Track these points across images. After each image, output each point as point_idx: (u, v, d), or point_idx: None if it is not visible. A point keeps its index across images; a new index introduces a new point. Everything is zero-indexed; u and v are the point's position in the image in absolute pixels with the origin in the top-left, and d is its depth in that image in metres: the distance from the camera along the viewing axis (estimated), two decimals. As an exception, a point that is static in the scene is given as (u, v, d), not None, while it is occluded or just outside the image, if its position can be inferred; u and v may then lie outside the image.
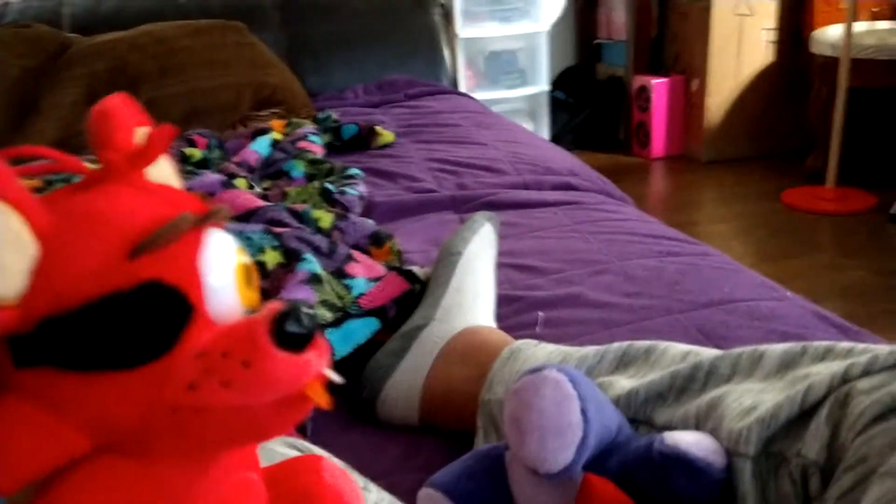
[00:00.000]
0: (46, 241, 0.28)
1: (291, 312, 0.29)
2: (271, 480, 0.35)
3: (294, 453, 0.45)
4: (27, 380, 0.28)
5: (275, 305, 0.29)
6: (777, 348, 0.52)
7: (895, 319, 1.87)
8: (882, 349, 0.46)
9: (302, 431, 0.64)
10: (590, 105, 3.60)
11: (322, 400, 0.30)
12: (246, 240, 0.79)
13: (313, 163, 1.26)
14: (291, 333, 0.29)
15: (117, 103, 0.36)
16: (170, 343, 0.28)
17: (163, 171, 0.36)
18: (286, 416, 0.30)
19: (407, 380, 0.69)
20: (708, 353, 0.55)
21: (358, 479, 0.45)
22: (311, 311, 0.30)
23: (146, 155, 0.32)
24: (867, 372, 0.44)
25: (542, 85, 3.28)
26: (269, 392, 0.29)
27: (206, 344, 0.29)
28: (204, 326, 0.29)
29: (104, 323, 0.27)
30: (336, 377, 0.31)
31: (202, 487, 0.31)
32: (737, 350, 0.53)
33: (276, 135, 1.37)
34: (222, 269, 0.30)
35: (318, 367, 0.30)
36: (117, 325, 0.27)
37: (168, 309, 0.28)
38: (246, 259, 0.32)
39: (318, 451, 0.46)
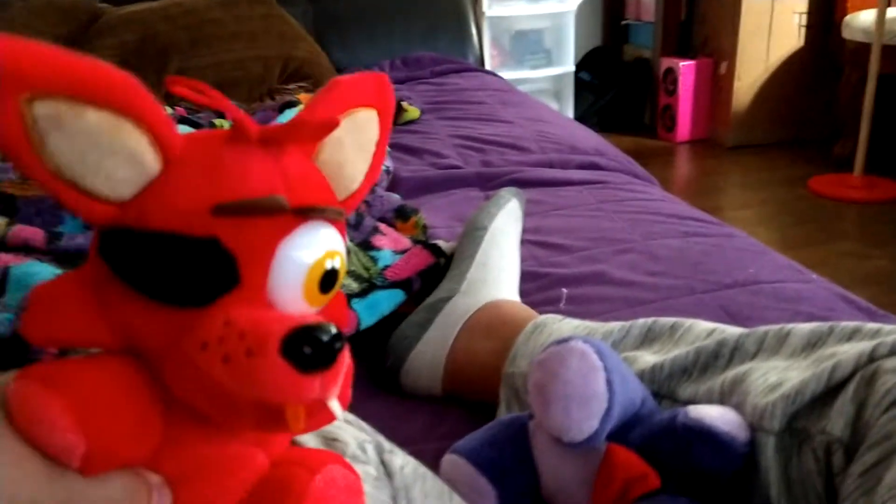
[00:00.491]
0: (167, 166, 0.30)
1: (312, 333, 0.29)
2: (274, 464, 0.36)
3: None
4: (98, 267, 0.30)
5: (308, 318, 0.30)
6: (804, 327, 0.52)
7: (920, 309, 1.85)
8: (910, 330, 0.46)
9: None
10: (616, 87, 3.57)
11: (295, 426, 0.30)
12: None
13: (340, 136, 1.26)
14: (300, 351, 0.29)
15: (361, 82, 0.38)
16: (202, 301, 0.29)
17: (341, 154, 0.37)
18: (260, 420, 0.30)
19: (431, 351, 0.69)
20: (733, 330, 0.55)
21: (384, 443, 0.46)
22: (335, 343, 0.30)
23: (300, 133, 0.32)
24: (894, 351, 0.44)
25: (567, 65, 3.25)
26: (254, 390, 0.29)
27: (238, 318, 0.29)
28: (252, 303, 0.30)
29: (158, 255, 0.29)
30: (339, 412, 0.31)
31: (187, 436, 0.32)
32: (763, 328, 0.53)
33: (303, 108, 1.38)
34: (293, 263, 0.31)
35: (315, 394, 0.29)
36: (167, 262, 0.29)
37: (214, 271, 0.29)
38: (335, 264, 0.32)
39: (346, 414, 0.47)
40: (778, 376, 0.48)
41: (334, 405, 0.30)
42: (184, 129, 1.09)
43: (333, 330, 0.29)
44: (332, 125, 0.32)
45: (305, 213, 0.31)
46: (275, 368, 0.28)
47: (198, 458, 0.32)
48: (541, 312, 0.70)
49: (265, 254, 0.30)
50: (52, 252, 0.71)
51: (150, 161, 0.29)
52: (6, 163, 0.83)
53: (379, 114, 0.39)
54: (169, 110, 1.30)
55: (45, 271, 0.61)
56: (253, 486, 0.33)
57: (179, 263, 0.29)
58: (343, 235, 0.33)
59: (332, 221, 0.32)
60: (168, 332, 0.30)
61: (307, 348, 0.28)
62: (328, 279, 0.32)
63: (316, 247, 0.31)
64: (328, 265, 0.31)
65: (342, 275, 0.33)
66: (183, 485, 0.31)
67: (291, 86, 1.61)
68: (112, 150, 0.29)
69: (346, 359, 0.30)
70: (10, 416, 0.28)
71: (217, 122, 1.23)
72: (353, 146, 0.37)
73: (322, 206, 0.32)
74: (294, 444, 0.37)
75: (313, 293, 0.32)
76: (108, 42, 1.51)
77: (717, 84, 3.32)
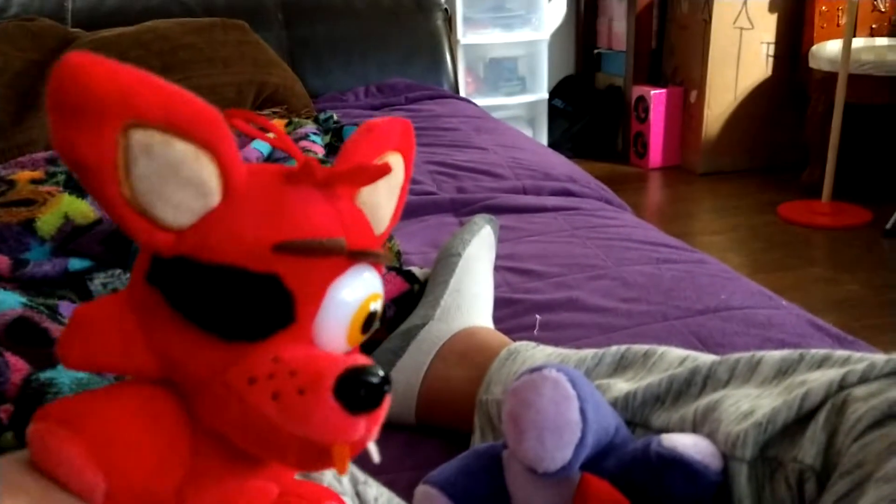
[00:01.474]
0: (228, 199, 0.30)
1: (365, 376, 0.30)
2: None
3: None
4: (145, 293, 0.30)
5: (360, 360, 0.30)
6: (775, 355, 0.52)
7: (887, 333, 1.88)
8: (879, 357, 0.46)
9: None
10: (588, 114, 3.62)
11: (341, 466, 0.30)
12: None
13: (314, 162, 1.26)
14: (353, 393, 0.29)
15: (391, 127, 0.40)
16: (255, 336, 0.30)
17: (376, 197, 0.38)
18: (303, 458, 0.31)
19: (404, 378, 0.69)
20: (706, 357, 0.56)
21: (358, 474, 0.46)
22: (384, 385, 0.30)
23: (360, 177, 0.33)
24: (864, 379, 0.44)
25: (541, 93, 3.29)
26: (303, 428, 0.29)
27: (288, 355, 0.30)
28: (298, 340, 0.30)
29: (217, 288, 0.29)
30: (376, 455, 0.32)
31: (213, 469, 0.32)
32: (735, 355, 0.54)
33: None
34: (342, 304, 0.31)
35: (360, 435, 0.30)
36: (225, 295, 0.29)
37: (272, 307, 0.30)
38: (376, 307, 0.33)
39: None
40: (750, 404, 0.48)
41: (372, 448, 0.31)
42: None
43: (381, 372, 0.30)
44: (386, 171, 0.33)
45: (357, 257, 0.32)
46: (327, 408, 0.29)
47: (223, 491, 0.32)
48: (514, 339, 0.70)
49: (319, 294, 0.31)
50: (17, 279, 0.70)
51: (216, 192, 0.30)
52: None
53: (404, 158, 0.41)
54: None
55: (9, 299, 0.60)
56: None
57: (238, 297, 0.29)
58: (381, 278, 0.34)
59: (374, 264, 0.33)
60: (213, 364, 0.30)
61: (361, 390, 0.29)
62: (370, 320, 0.33)
63: (362, 289, 0.32)
64: (371, 307, 0.33)
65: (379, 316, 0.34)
66: None
67: (265, 112, 1.60)
68: (189, 180, 0.29)
69: (388, 402, 0.31)
70: (33, 456, 0.28)
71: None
72: (385, 189, 0.38)
73: (373, 250, 0.32)
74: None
75: (355, 333, 0.32)
76: (80, 67, 1.50)
77: (687, 112, 3.37)
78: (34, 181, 0.82)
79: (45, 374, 0.53)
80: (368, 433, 0.31)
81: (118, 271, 0.71)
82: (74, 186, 0.83)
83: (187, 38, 1.63)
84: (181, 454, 0.30)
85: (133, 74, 0.27)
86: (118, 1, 2.04)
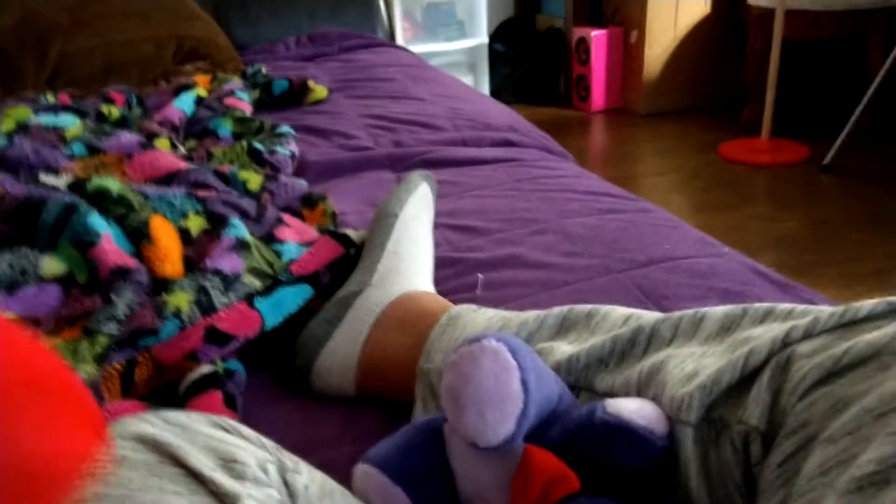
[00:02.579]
0: None
1: None
2: None
3: (220, 434, 0.42)
4: None
5: None
6: (717, 311, 0.51)
7: (826, 270, 1.91)
8: (822, 310, 0.45)
9: (231, 407, 0.61)
10: (530, 57, 3.57)
11: None
12: (168, 205, 0.74)
13: (241, 121, 1.20)
14: None
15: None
16: None
17: None
18: None
19: (342, 349, 0.66)
20: (649, 316, 0.54)
21: (286, 461, 0.43)
22: None
23: None
24: (808, 335, 0.43)
25: (481, 37, 3.23)
26: None
27: None
28: None
29: None
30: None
31: None
32: (678, 313, 0.52)
33: (200, 91, 1.31)
34: None
35: None
36: None
37: None
38: None
39: (245, 429, 0.43)
40: (694, 364, 0.47)
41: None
42: (66, 117, 1.01)
43: None
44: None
45: None
46: None
47: None
48: (457, 300, 0.68)
49: None
50: None
51: None
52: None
53: None
54: (51, 98, 1.21)
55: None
56: None
57: None
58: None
59: None
60: None
61: None
62: None
63: None
64: None
65: None
66: None
67: (187, 67, 1.52)
68: None
69: None
70: None
71: (105, 109, 1.15)
72: None
73: None
74: None
75: None
76: (-19, 26, 1.40)
77: (628, 53, 3.35)
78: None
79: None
80: None
81: (25, 250, 0.66)
82: (-27, 159, 0.77)
83: (100, -10, 1.53)
84: None
85: None
86: (25, -48, 1.90)
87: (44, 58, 1.38)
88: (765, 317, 0.49)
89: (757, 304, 0.50)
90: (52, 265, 0.65)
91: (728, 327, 0.49)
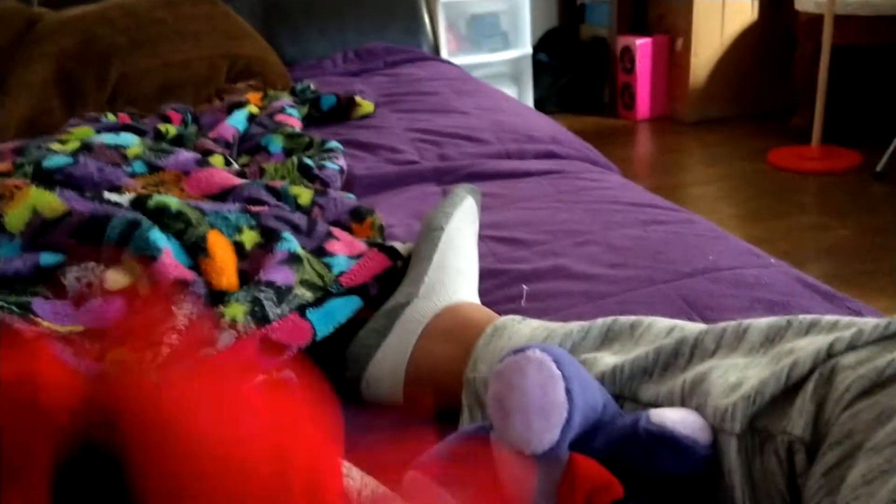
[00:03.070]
0: None
1: None
2: None
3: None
4: None
5: None
6: (761, 322, 0.51)
7: (878, 280, 1.87)
8: (867, 322, 0.45)
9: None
10: (574, 67, 3.57)
11: None
12: (223, 220, 0.77)
13: (291, 137, 1.24)
14: None
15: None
16: None
17: None
18: None
19: (391, 359, 0.68)
20: (692, 327, 0.55)
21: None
22: None
23: None
24: (852, 346, 0.44)
25: (525, 48, 3.24)
26: None
27: None
28: None
29: None
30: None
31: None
32: (721, 324, 0.53)
33: (252, 108, 1.35)
34: None
35: None
36: None
37: None
38: None
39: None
40: (737, 375, 0.47)
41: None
42: (127, 136, 1.05)
43: None
44: None
45: None
46: None
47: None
48: (502, 310, 0.69)
49: None
50: None
51: None
52: None
53: None
54: (112, 117, 1.26)
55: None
56: None
57: None
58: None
59: None
60: None
61: None
62: None
63: None
64: None
65: None
66: None
67: (240, 85, 1.57)
68: None
69: None
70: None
71: (162, 127, 1.19)
72: None
73: None
74: None
75: None
76: (47, 49, 1.46)
77: (674, 61, 3.33)
78: (0, 174, 0.80)
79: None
80: None
81: (91, 264, 0.70)
82: (42, 178, 0.81)
83: (155, 13, 1.59)
84: None
85: None
86: (84, -24, 1.98)
87: (104, 78, 1.44)
88: (809, 328, 0.49)
89: (801, 316, 0.50)
90: (116, 278, 0.69)
91: (772, 339, 0.50)
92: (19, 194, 0.73)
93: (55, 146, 0.94)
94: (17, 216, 0.72)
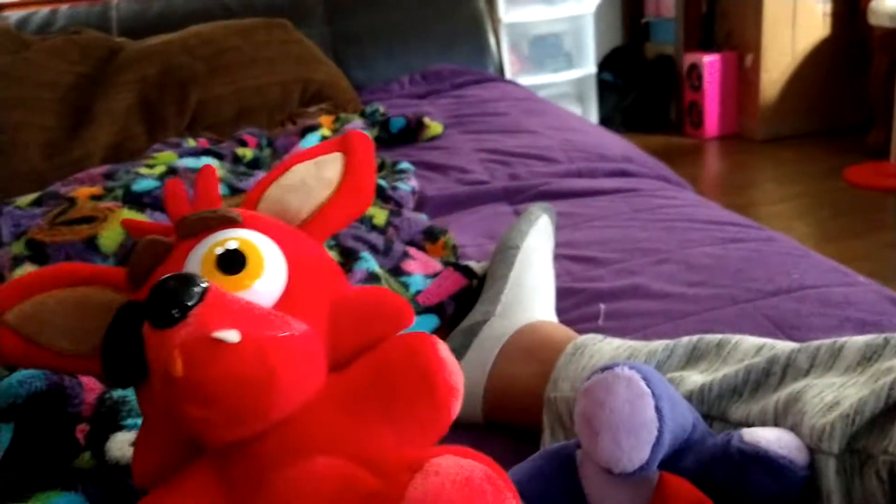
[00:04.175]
0: None
1: (156, 291, 0.32)
2: (382, 364, 0.37)
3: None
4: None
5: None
6: (858, 340, 0.50)
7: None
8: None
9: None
10: (639, 85, 3.54)
11: (174, 368, 0.31)
12: (303, 239, 0.79)
13: (364, 158, 1.26)
14: (155, 312, 0.31)
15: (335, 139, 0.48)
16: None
17: (280, 195, 0.46)
18: (169, 395, 0.31)
19: (469, 377, 0.68)
20: (783, 345, 0.53)
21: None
22: (182, 285, 0.32)
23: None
24: (959, 364, 0.42)
25: (588, 67, 3.23)
26: (153, 372, 0.31)
27: None
28: None
29: None
30: (233, 338, 0.32)
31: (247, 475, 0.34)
32: (815, 343, 0.51)
33: (325, 131, 1.38)
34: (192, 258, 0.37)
35: (180, 340, 0.31)
36: None
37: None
38: (224, 248, 0.37)
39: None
40: (834, 395, 0.46)
41: (225, 335, 0.31)
42: (207, 160, 1.09)
43: (175, 283, 0.32)
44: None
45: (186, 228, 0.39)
46: (149, 340, 0.32)
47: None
48: (579, 329, 0.68)
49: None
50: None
51: None
52: (33, 208, 0.83)
53: (349, 155, 0.46)
54: (192, 142, 1.30)
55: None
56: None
57: None
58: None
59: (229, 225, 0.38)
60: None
61: (156, 305, 0.32)
62: (225, 260, 0.36)
63: (206, 244, 0.37)
64: (217, 250, 0.36)
65: (249, 254, 0.37)
66: None
67: (312, 109, 1.61)
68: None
69: (217, 293, 0.33)
70: None
71: (239, 151, 1.23)
72: (295, 189, 0.44)
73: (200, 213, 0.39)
74: None
75: (210, 270, 0.36)
76: (129, 77, 1.53)
77: (743, 77, 3.27)
78: (94, 197, 0.84)
79: (118, 392, 0.53)
80: (201, 330, 0.31)
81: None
82: (132, 201, 0.84)
83: (231, 41, 1.65)
84: None
85: None
86: (161, 6, 2.07)
87: (184, 105, 1.50)
88: (908, 346, 0.47)
89: (899, 334, 0.49)
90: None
91: (869, 357, 0.48)
92: (112, 216, 0.77)
93: (142, 170, 0.98)
94: (110, 238, 0.75)
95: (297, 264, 0.39)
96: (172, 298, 0.31)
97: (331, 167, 0.44)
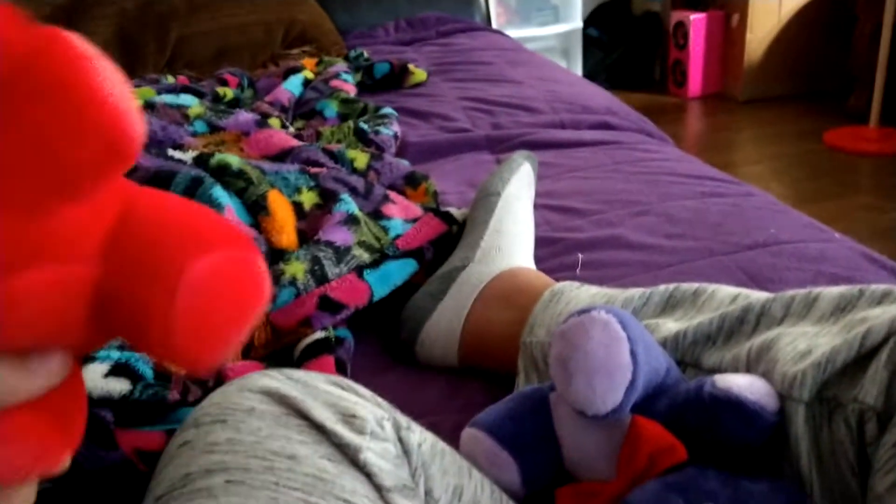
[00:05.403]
0: None
1: None
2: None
3: (338, 391, 0.45)
4: None
5: None
6: (832, 291, 0.50)
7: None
8: (946, 292, 0.44)
9: (342, 372, 0.64)
10: (624, 42, 3.51)
11: None
12: (283, 180, 0.78)
13: (346, 102, 1.24)
14: None
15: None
16: None
17: None
18: None
19: (446, 321, 0.68)
20: (758, 295, 0.54)
21: (401, 420, 0.45)
22: None
23: None
24: (930, 316, 0.42)
25: (575, 21, 3.19)
26: None
27: None
28: None
29: None
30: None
31: None
32: (790, 292, 0.52)
33: (308, 74, 1.35)
34: None
35: None
36: None
37: None
38: None
39: (361, 388, 0.46)
40: (807, 343, 0.47)
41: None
42: (186, 97, 1.07)
43: None
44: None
45: None
46: None
47: None
48: (557, 279, 0.69)
49: None
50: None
51: None
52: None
53: None
54: (171, 79, 1.28)
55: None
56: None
57: None
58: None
59: None
60: None
61: None
62: None
63: None
64: None
65: None
66: None
67: (295, 51, 1.58)
68: None
69: None
70: None
71: (220, 90, 1.20)
72: None
73: None
74: None
75: None
76: (107, 11, 1.48)
77: (728, 37, 3.25)
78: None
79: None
80: None
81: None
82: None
83: (214, -23, 1.61)
84: None
85: None
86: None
87: (164, 41, 1.46)
88: (882, 298, 0.48)
89: (874, 286, 0.49)
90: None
91: (843, 308, 0.49)
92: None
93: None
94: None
95: None
96: None
97: None
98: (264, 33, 1.59)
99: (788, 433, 0.45)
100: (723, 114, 3.13)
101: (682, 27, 3.30)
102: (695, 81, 3.32)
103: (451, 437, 0.53)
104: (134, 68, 1.43)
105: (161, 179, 0.72)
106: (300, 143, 0.91)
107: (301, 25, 1.65)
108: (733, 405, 0.45)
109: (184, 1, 1.53)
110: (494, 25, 2.72)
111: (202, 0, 1.56)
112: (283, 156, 0.89)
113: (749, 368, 0.49)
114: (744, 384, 0.46)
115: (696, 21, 3.23)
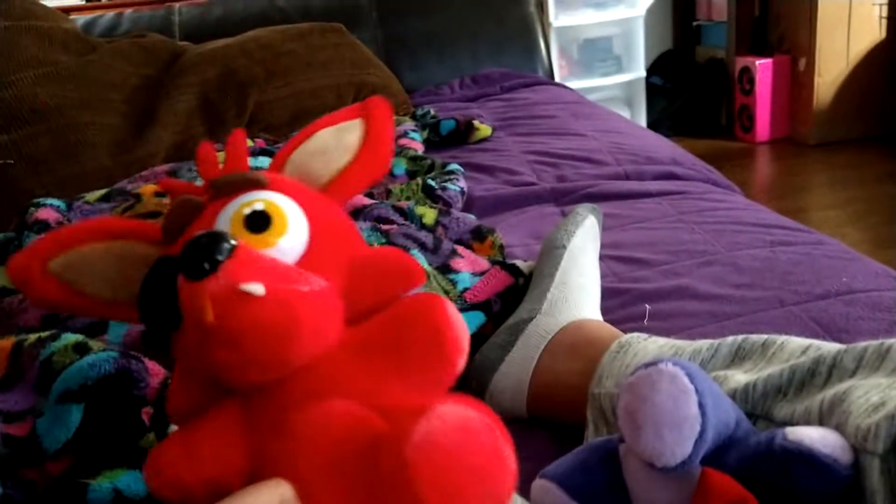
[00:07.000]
0: None
1: (190, 246, 0.34)
2: (396, 320, 0.39)
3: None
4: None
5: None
6: (905, 342, 0.50)
7: None
8: None
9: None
10: (688, 89, 3.50)
11: (206, 316, 0.33)
12: (355, 237, 0.81)
13: (414, 159, 1.28)
14: (189, 265, 0.33)
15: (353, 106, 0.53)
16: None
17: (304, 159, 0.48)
18: (200, 341, 0.34)
19: (514, 372, 0.69)
20: (829, 346, 0.53)
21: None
22: (214, 246, 0.34)
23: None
24: None
25: (638, 71, 3.21)
26: (187, 320, 0.34)
27: None
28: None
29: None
30: (259, 291, 0.34)
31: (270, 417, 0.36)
32: (861, 344, 0.51)
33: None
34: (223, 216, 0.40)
35: (213, 290, 0.33)
36: None
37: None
38: (252, 209, 0.39)
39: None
40: (880, 395, 0.46)
41: (252, 287, 0.34)
42: (264, 160, 1.12)
43: (207, 239, 0.34)
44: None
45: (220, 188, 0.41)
46: (183, 292, 0.34)
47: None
48: (624, 330, 0.69)
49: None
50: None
51: None
52: (101, 204, 0.87)
53: (368, 121, 0.49)
54: (250, 143, 1.34)
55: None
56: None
57: None
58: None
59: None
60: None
61: (189, 258, 0.34)
62: (252, 220, 0.39)
63: (236, 204, 0.40)
64: (245, 211, 0.39)
65: (273, 214, 0.39)
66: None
67: (365, 111, 1.63)
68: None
69: (245, 250, 0.35)
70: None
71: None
72: (316, 154, 0.47)
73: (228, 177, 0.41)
74: None
75: (238, 230, 0.39)
76: (191, 80, 1.58)
77: (796, 81, 3.21)
78: (158, 194, 0.87)
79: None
80: (229, 281, 0.34)
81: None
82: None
83: (288, 45, 1.69)
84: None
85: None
86: (221, 11, 2.13)
87: (243, 107, 1.54)
88: (957, 349, 0.47)
89: (948, 337, 0.49)
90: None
91: (917, 359, 0.48)
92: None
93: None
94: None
95: (318, 224, 0.41)
96: (204, 253, 0.34)
97: (351, 133, 0.48)
98: (336, 97, 1.67)
99: (864, 487, 0.45)
100: (793, 158, 3.08)
101: (747, 72, 3.28)
102: (762, 126, 3.28)
103: (522, 488, 0.54)
104: (216, 133, 1.51)
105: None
106: (372, 202, 0.95)
107: (371, 87, 1.72)
108: (805, 458, 0.45)
109: (261, 69, 1.62)
110: (557, 78, 2.76)
111: (278, 67, 1.64)
112: (355, 214, 0.93)
113: (821, 421, 0.48)
114: (816, 436, 0.46)
115: (763, 66, 3.21)
